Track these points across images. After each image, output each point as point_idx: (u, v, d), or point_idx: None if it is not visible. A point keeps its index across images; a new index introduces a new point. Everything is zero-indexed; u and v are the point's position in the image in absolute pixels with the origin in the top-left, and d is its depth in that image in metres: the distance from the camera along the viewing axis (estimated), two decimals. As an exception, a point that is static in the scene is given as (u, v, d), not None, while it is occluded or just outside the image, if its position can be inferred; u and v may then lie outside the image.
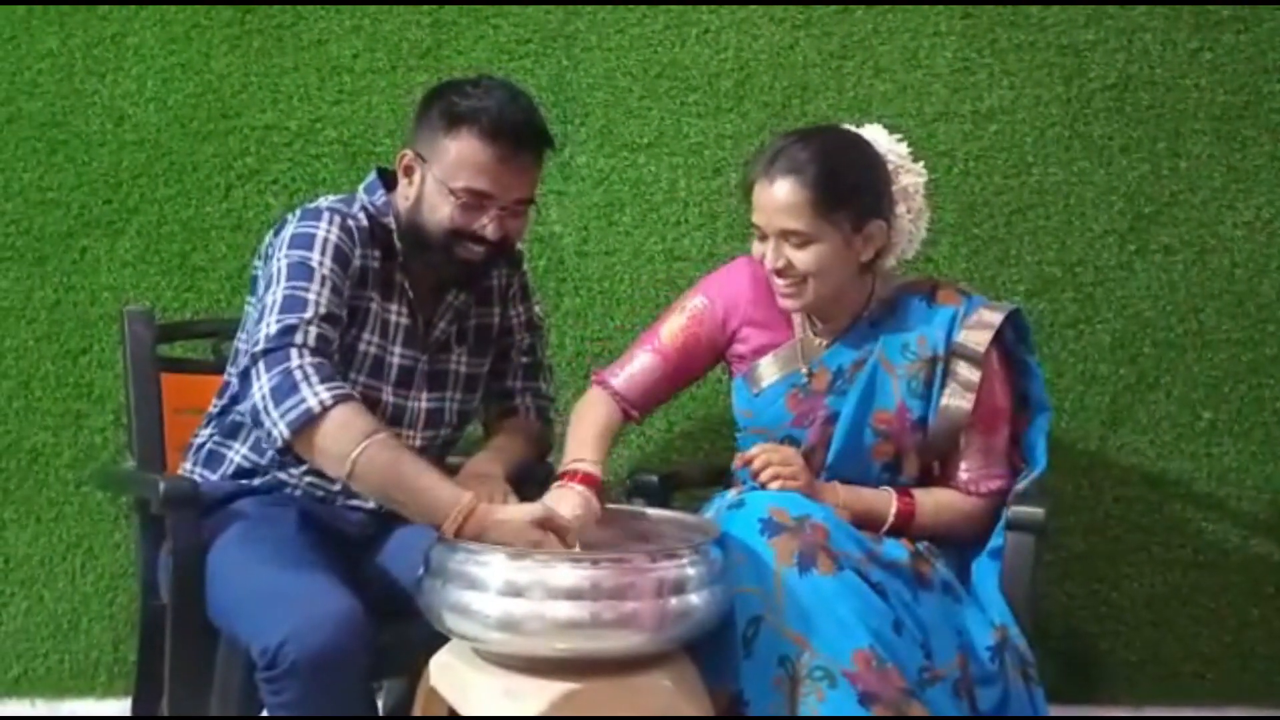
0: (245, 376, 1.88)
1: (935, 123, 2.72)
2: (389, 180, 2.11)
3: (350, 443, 1.81)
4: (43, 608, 2.73)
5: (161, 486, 1.99)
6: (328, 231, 1.98)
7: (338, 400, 1.82)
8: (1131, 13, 2.72)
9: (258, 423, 1.84)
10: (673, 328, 2.17)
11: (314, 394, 1.82)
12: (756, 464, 2.02)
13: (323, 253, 1.97)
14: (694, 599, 1.75)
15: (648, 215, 2.75)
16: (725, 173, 2.73)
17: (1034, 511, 2.06)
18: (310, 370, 1.84)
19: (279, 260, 1.96)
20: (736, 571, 1.85)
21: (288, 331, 1.88)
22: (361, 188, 2.12)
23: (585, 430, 2.11)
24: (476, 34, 2.72)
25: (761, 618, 1.84)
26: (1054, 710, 2.01)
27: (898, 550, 1.99)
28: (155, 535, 2.12)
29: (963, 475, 2.10)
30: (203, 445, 2.13)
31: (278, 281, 1.93)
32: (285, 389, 1.83)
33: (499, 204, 2.01)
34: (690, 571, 1.75)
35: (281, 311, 1.90)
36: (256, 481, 2.09)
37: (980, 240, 2.74)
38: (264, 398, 1.83)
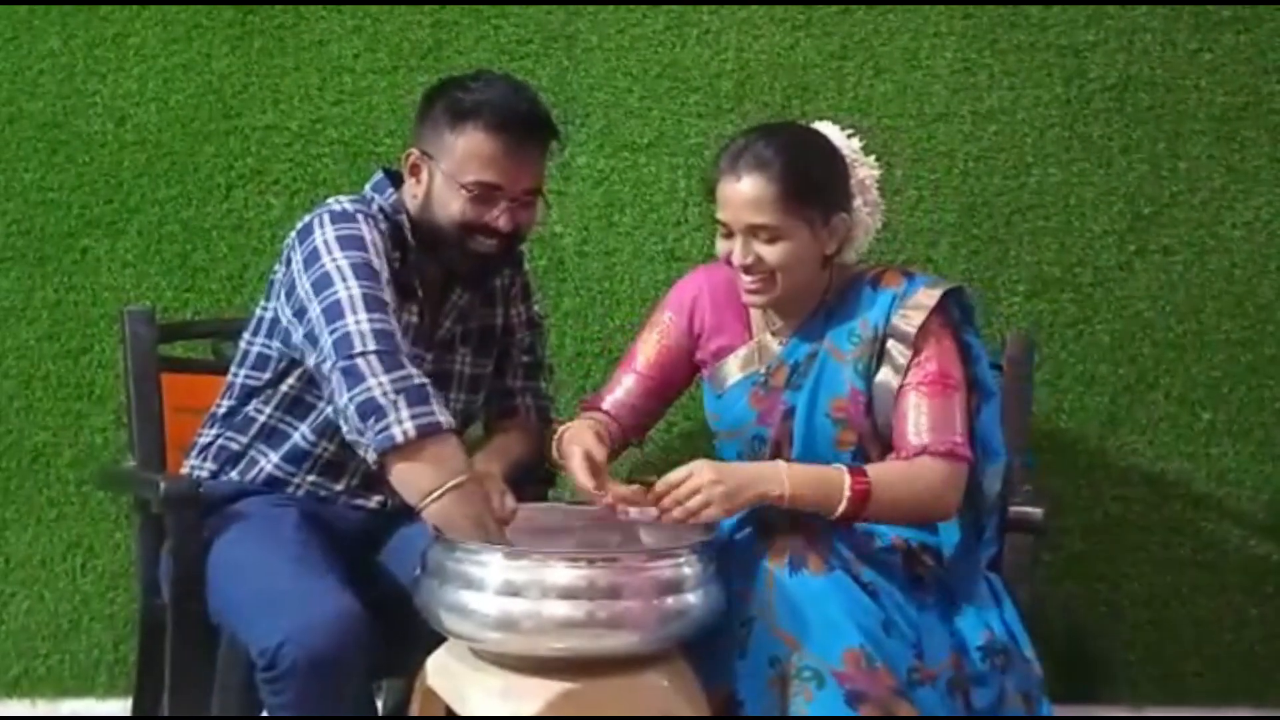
0: (348, 374, 1.83)
1: (935, 123, 2.72)
2: (394, 180, 2.11)
3: (450, 473, 1.81)
4: (43, 607, 2.73)
5: (162, 486, 2.00)
6: (372, 234, 1.98)
7: (453, 428, 1.85)
8: (1131, 13, 2.72)
9: (373, 413, 1.81)
10: (648, 347, 2.18)
11: (443, 413, 1.83)
12: (665, 502, 1.89)
13: (377, 255, 1.97)
14: (690, 598, 1.75)
15: (648, 216, 2.75)
16: (726, 173, 2.73)
17: (1033, 511, 2.05)
18: (431, 388, 1.85)
19: (335, 261, 1.93)
20: (729, 572, 1.85)
21: (390, 338, 1.87)
22: (369, 187, 2.11)
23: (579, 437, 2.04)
24: (478, 34, 2.72)
25: (754, 618, 1.84)
26: (1054, 709, 2.01)
27: (890, 550, 1.98)
28: (156, 535, 2.13)
29: (913, 440, 1.96)
30: (210, 444, 2.13)
31: (343, 279, 1.91)
32: (417, 395, 1.82)
33: (508, 195, 2.01)
34: (686, 571, 1.75)
35: (369, 311, 1.88)
36: (263, 476, 2.09)
37: (980, 241, 2.74)
38: (387, 394, 1.81)
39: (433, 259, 2.07)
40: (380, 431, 1.80)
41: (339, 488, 2.10)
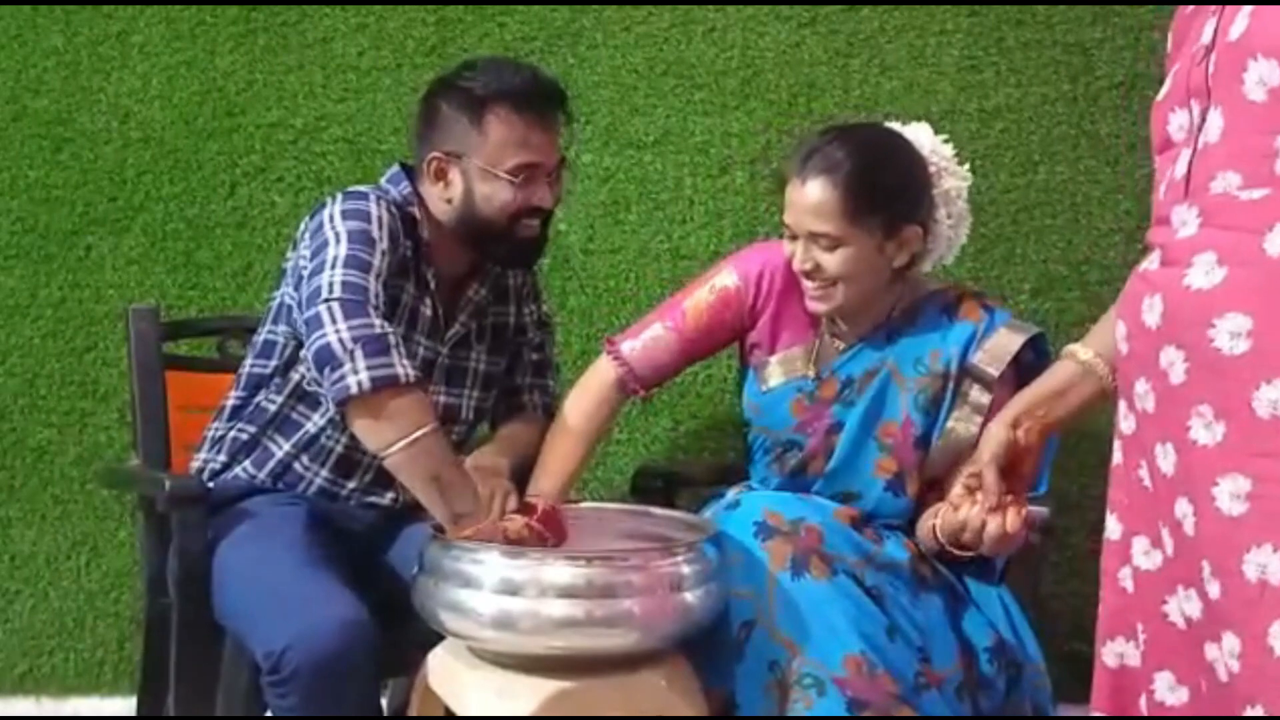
0: (311, 322, 1.84)
1: (942, 121, 2.70)
2: (410, 174, 2.11)
3: (412, 425, 1.81)
4: (48, 605, 2.73)
5: (167, 485, 1.99)
6: (380, 210, 1.99)
7: (419, 381, 1.84)
8: (1138, 11, 2.71)
9: (329, 361, 1.81)
10: (698, 305, 2.09)
11: (402, 365, 1.81)
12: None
13: (379, 228, 1.97)
14: (689, 597, 1.74)
15: (653, 213, 2.74)
16: (731, 171, 2.73)
17: (1040, 510, 2.04)
18: (395, 340, 1.84)
19: (334, 228, 1.94)
20: (730, 574, 1.83)
21: (360, 290, 1.87)
22: (384, 179, 2.11)
23: (568, 439, 2.05)
24: (482, 31, 2.72)
25: (753, 622, 1.82)
26: (1060, 709, 2.00)
27: (898, 551, 1.96)
28: (161, 533, 2.12)
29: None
30: (221, 436, 2.12)
31: (337, 242, 1.92)
32: (375, 346, 1.81)
33: (545, 170, 2.02)
34: (686, 569, 1.75)
35: (347, 267, 1.89)
36: (276, 466, 2.08)
37: (986, 239, 2.73)
38: (344, 343, 1.80)
39: (473, 251, 2.07)
40: (336, 381, 1.80)
41: (352, 485, 2.10)
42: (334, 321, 1.82)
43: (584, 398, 2.10)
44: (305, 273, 1.93)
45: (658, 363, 2.09)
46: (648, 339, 2.09)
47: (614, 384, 2.10)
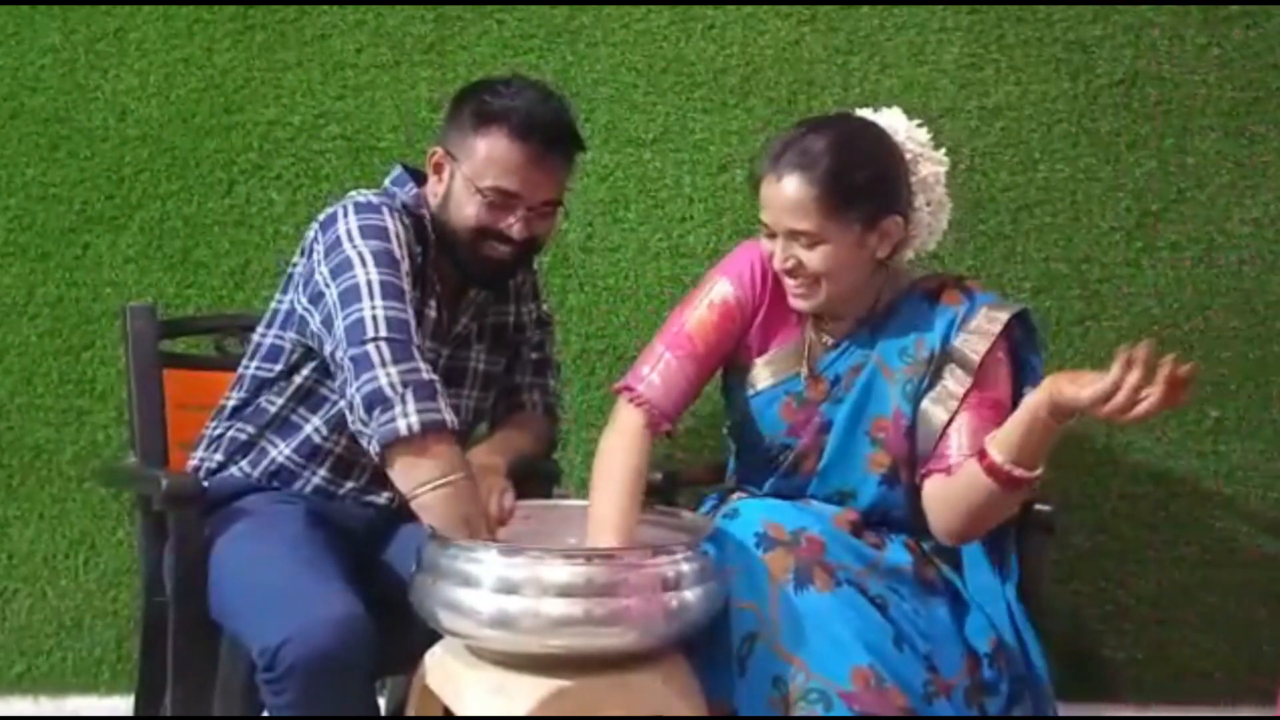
0: (359, 362, 1.83)
1: (942, 118, 2.71)
2: (413, 176, 2.11)
3: (449, 468, 1.81)
4: (46, 604, 2.72)
5: (164, 483, 1.98)
6: (395, 226, 1.98)
7: (455, 428, 1.85)
8: (1139, 8, 2.70)
9: (380, 403, 1.80)
10: (703, 325, 2.04)
11: (448, 411, 1.83)
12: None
13: (399, 245, 1.96)
14: (688, 596, 1.73)
15: (653, 211, 2.74)
16: (731, 168, 2.72)
17: (1041, 509, 2.04)
18: (440, 386, 1.85)
19: (355, 248, 1.93)
20: (732, 585, 1.81)
21: (404, 327, 1.87)
22: (389, 181, 2.11)
23: (614, 489, 1.93)
24: (480, 29, 2.71)
25: (756, 635, 1.80)
26: (1059, 708, 2.00)
27: (901, 556, 1.94)
28: (158, 532, 2.11)
29: (955, 459, 1.94)
30: (219, 436, 2.12)
31: (363, 264, 1.91)
32: (425, 391, 1.82)
33: (526, 204, 2.00)
34: (684, 568, 1.74)
35: (386, 299, 1.88)
36: (273, 467, 2.08)
37: (986, 237, 2.73)
38: (394, 385, 1.81)
39: (445, 257, 2.07)
40: (385, 423, 1.80)
41: (350, 484, 2.09)
42: (383, 364, 1.82)
43: (618, 450, 1.99)
44: (330, 293, 1.91)
45: (678, 392, 2.03)
46: (666, 374, 2.02)
47: (644, 428, 2.01)
